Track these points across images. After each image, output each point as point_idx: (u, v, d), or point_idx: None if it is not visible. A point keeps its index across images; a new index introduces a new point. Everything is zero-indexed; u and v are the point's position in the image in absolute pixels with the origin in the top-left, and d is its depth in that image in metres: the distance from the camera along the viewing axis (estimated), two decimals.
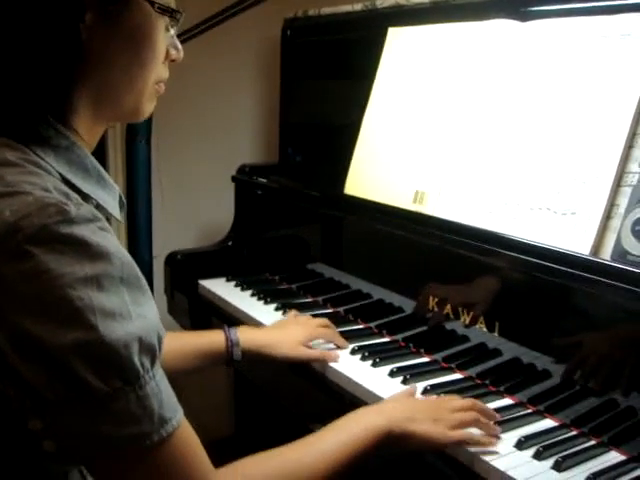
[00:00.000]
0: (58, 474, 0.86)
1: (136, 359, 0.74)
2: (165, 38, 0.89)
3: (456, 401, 1.13)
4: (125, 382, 0.73)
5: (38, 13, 0.78)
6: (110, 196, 0.88)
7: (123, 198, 0.93)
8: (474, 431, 1.09)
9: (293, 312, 1.57)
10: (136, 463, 0.76)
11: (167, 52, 0.91)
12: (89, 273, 0.71)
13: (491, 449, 1.07)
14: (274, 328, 1.48)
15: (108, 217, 0.87)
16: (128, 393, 0.73)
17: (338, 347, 1.45)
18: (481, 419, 1.10)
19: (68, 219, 0.71)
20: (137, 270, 0.78)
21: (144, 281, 0.79)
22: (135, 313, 0.75)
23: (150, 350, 0.76)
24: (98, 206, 0.84)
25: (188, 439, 0.81)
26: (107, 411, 0.72)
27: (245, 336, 1.35)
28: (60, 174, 0.80)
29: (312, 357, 1.39)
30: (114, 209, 0.88)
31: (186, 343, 1.32)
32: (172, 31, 0.90)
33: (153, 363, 0.77)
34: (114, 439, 0.73)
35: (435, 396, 1.21)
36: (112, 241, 0.76)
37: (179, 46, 0.93)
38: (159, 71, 0.89)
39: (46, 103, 0.81)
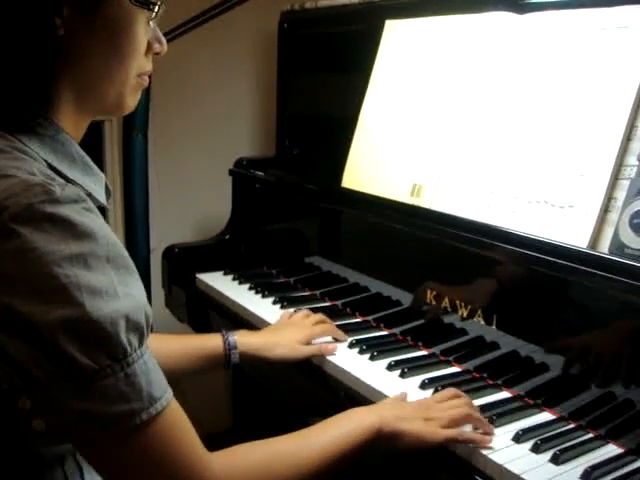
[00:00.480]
0: (53, 462, 0.86)
1: (123, 336, 0.74)
2: (146, 31, 0.88)
3: (446, 401, 1.13)
4: (113, 359, 0.73)
5: (14, 7, 0.78)
6: (96, 184, 0.88)
7: (109, 186, 0.93)
8: (467, 428, 1.09)
9: (287, 312, 1.55)
10: (126, 442, 0.77)
11: (149, 45, 0.90)
12: (75, 251, 0.72)
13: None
14: (271, 330, 1.47)
15: (101, 207, 0.87)
16: (116, 370, 0.74)
17: (337, 340, 1.44)
18: (473, 414, 1.10)
19: (53, 199, 0.72)
20: (123, 251, 0.78)
21: (131, 262, 0.79)
22: (122, 292, 0.75)
23: (137, 328, 0.76)
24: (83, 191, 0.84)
25: (179, 419, 0.82)
26: (95, 388, 0.73)
27: (243, 340, 1.35)
28: (46, 161, 0.80)
29: (309, 353, 1.39)
30: (100, 196, 0.88)
31: (184, 346, 1.31)
32: (152, 24, 0.89)
33: (141, 342, 0.77)
34: (103, 417, 0.74)
35: (429, 395, 1.20)
36: (98, 222, 0.76)
37: (162, 39, 0.92)
38: (141, 64, 0.89)
39: (26, 97, 0.81)
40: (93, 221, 0.75)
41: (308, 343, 1.40)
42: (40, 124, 0.81)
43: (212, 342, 1.33)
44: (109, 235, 0.77)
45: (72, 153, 0.84)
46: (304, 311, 1.52)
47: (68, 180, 0.82)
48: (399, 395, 1.19)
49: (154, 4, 0.87)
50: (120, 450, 0.77)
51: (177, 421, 0.81)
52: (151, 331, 0.80)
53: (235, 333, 1.36)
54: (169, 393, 0.80)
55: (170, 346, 1.28)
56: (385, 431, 1.03)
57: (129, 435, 0.76)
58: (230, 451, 0.89)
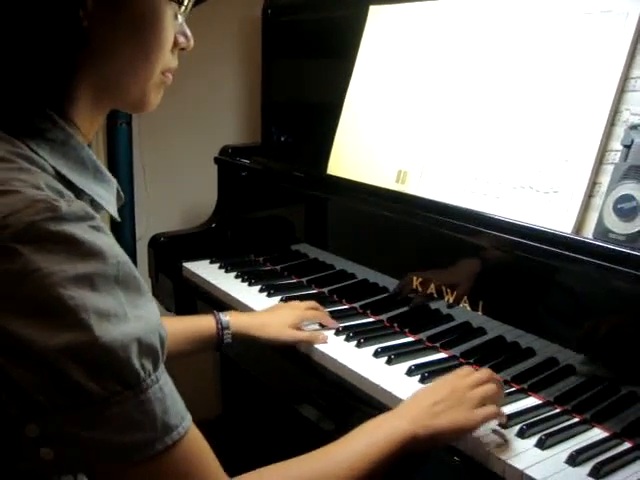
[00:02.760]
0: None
1: (136, 361, 0.70)
2: (173, 25, 0.84)
3: (471, 377, 1.07)
4: (124, 386, 0.69)
5: None
6: (107, 191, 0.84)
7: (121, 192, 0.89)
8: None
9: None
10: (139, 473, 0.72)
11: (176, 40, 0.86)
12: (81, 272, 0.68)
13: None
14: (263, 311, 1.48)
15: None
16: (128, 397, 0.69)
17: (327, 328, 1.44)
18: (500, 388, 1.07)
19: (58, 216, 0.68)
20: (134, 270, 0.74)
21: (142, 282, 0.75)
22: (132, 314, 0.71)
23: (151, 352, 0.72)
24: (93, 201, 0.81)
25: (197, 448, 0.77)
26: (106, 417, 0.69)
27: (234, 320, 1.36)
28: (54, 168, 0.76)
29: (299, 338, 1.39)
30: (110, 204, 0.84)
31: (176, 328, 1.30)
32: (180, 18, 0.85)
33: (156, 366, 0.73)
34: (114, 447, 0.70)
35: (448, 376, 1.10)
36: (106, 240, 0.72)
37: (189, 33, 0.88)
38: (166, 60, 0.85)
39: (45, 93, 0.77)
40: (101, 239, 0.71)
41: (299, 328, 1.40)
42: (51, 127, 0.77)
43: (204, 323, 1.34)
44: (118, 254, 0.73)
45: (83, 158, 0.80)
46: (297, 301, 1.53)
47: (76, 189, 0.78)
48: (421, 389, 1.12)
49: None
50: None
51: (195, 449, 0.77)
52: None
53: (226, 314, 1.37)
54: (187, 420, 0.76)
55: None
56: (421, 434, 0.97)
57: (143, 467, 0.72)
58: (253, 475, 0.84)
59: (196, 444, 0.77)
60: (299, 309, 1.45)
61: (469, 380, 1.06)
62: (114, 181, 0.86)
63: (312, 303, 1.50)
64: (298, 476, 0.87)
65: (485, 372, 1.10)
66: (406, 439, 0.96)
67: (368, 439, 0.95)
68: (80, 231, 0.69)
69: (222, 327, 1.33)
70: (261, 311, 1.50)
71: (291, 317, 1.41)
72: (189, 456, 0.75)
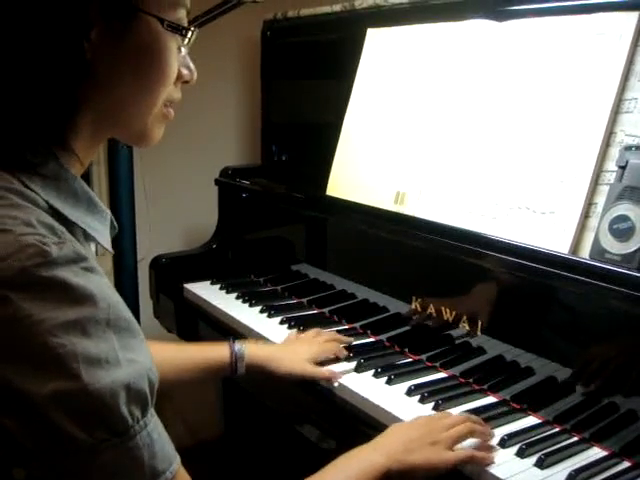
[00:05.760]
0: None
1: (124, 408, 0.70)
2: (177, 58, 0.83)
3: (447, 418, 1.09)
4: (112, 433, 0.69)
5: (42, 29, 0.73)
6: (100, 222, 0.83)
7: (114, 222, 0.89)
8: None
9: (294, 332, 1.52)
10: None
11: (179, 73, 0.85)
12: (72, 318, 0.68)
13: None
14: (281, 345, 1.44)
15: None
16: (116, 445, 0.69)
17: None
18: (477, 428, 1.08)
19: (49, 261, 0.68)
20: (126, 311, 0.74)
21: (134, 323, 0.75)
22: (124, 359, 0.71)
23: (140, 398, 0.72)
24: (86, 233, 0.81)
25: None
26: (93, 464, 0.69)
27: (250, 351, 1.32)
28: (47, 202, 0.75)
29: (319, 376, 1.34)
30: (103, 237, 0.84)
31: (189, 356, 1.29)
32: (184, 50, 0.85)
33: (145, 411, 0.73)
34: None
35: (425, 416, 1.13)
36: (97, 282, 0.72)
37: (192, 66, 0.87)
38: (169, 92, 0.84)
39: (47, 125, 0.76)
40: (92, 282, 0.70)
41: (317, 362, 1.36)
42: (43, 161, 0.76)
43: (218, 351, 1.30)
44: (110, 296, 0.72)
45: (76, 190, 0.79)
46: (315, 329, 1.48)
47: (70, 222, 0.77)
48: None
49: (187, 29, 0.82)
50: None
51: None
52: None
53: (242, 342, 1.33)
54: (175, 464, 0.76)
55: (173, 356, 1.26)
56: (395, 469, 0.98)
57: None
58: None
59: None
60: (317, 344, 1.40)
61: (446, 421, 1.08)
62: (108, 212, 0.86)
63: (330, 335, 1.46)
64: None
65: (462, 417, 1.10)
66: (380, 472, 0.97)
67: (346, 473, 0.96)
68: (70, 275, 0.69)
69: (236, 357, 1.29)
70: (278, 345, 1.46)
71: (308, 352, 1.36)
72: None
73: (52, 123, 0.77)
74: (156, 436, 0.74)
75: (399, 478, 0.99)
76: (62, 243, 0.70)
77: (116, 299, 0.73)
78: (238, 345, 1.32)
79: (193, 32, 0.83)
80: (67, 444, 0.67)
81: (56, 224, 0.73)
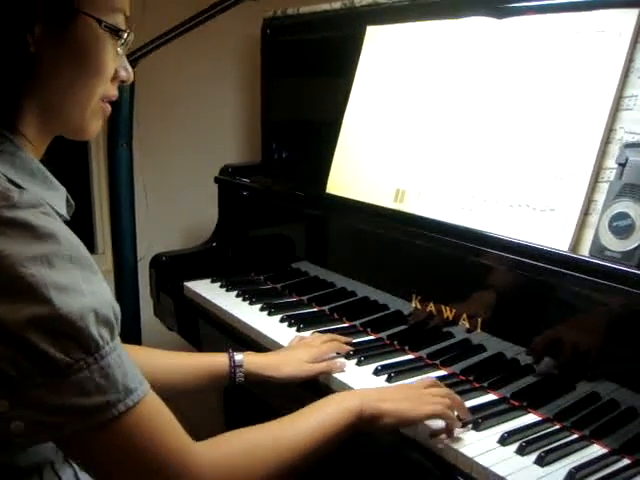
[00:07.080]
0: (31, 473, 0.86)
1: (94, 330, 0.76)
2: (114, 57, 0.89)
3: (428, 384, 1.17)
4: (85, 352, 0.75)
5: None
6: (57, 197, 0.88)
7: (70, 200, 0.93)
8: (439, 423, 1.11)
9: (297, 337, 1.50)
10: (105, 434, 0.78)
11: (116, 72, 0.91)
12: (38, 252, 0.74)
13: (475, 447, 1.07)
14: (279, 352, 1.44)
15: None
16: (90, 363, 0.75)
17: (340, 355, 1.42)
18: (455, 400, 1.13)
19: (11, 204, 0.74)
20: (86, 252, 0.80)
21: (94, 263, 0.81)
22: (87, 289, 0.77)
23: (107, 323, 0.78)
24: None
25: (158, 409, 0.83)
26: (71, 382, 0.74)
27: (249, 358, 1.32)
28: (5, 175, 0.80)
29: (318, 371, 1.35)
30: (61, 209, 0.88)
31: (188, 363, 1.29)
32: (120, 51, 0.90)
33: (112, 335, 0.79)
34: (80, 410, 0.75)
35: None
36: (57, 224, 0.78)
37: (129, 68, 0.93)
38: (106, 88, 0.90)
39: None
40: (52, 224, 0.77)
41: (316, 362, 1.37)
42: (0, 140, 0.82)
43: (217, 360, 1.31)
44: (70, 236, 0.79)
45: (32, 168, 0.85)
46: (315, 334, 1.49)
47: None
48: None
49: (123, 31, 0.88)
50: (101, 443, 0.78)
51: (156, 411, 0.83)
52: (137, 341, 0.81)
53: (241, 353, 1.33)
54: (145, 385, 0.82)
55: (171, 363, 1.27)
56: (366, 412, 1.06)
57: (108, 427, 0.77)
58: (215, 438, 0.91)
59: (157, 406, 0.84)
60: (314, 346, 1.40)
61: (425, 384, 1.17)
62: (63, 189, 0.90)
63: (329, 336, 1.46)
64: (258, 439, 0.95)
65: (445, 389, 1.17)
66: (353, 413, 1.04)
67: (322, 412, 1.04)
68: (32, 217, 0.75)
69: (235, 365, 1.30)
70: (276, 352, 1.45)
71: (307, 354, 1.37)
72: (151, 416, 0.82)
73: (1, 109, 0.83)
74: (125, 359, 0.80)
75: (369, 421, 1.06)
76: (23, 191, 0.77)
77: (77, 241, 0.80)
78: (237, 354, 1.32)
79: (129, 35, 0.89)
80: (46, 364, 0.73)
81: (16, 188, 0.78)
